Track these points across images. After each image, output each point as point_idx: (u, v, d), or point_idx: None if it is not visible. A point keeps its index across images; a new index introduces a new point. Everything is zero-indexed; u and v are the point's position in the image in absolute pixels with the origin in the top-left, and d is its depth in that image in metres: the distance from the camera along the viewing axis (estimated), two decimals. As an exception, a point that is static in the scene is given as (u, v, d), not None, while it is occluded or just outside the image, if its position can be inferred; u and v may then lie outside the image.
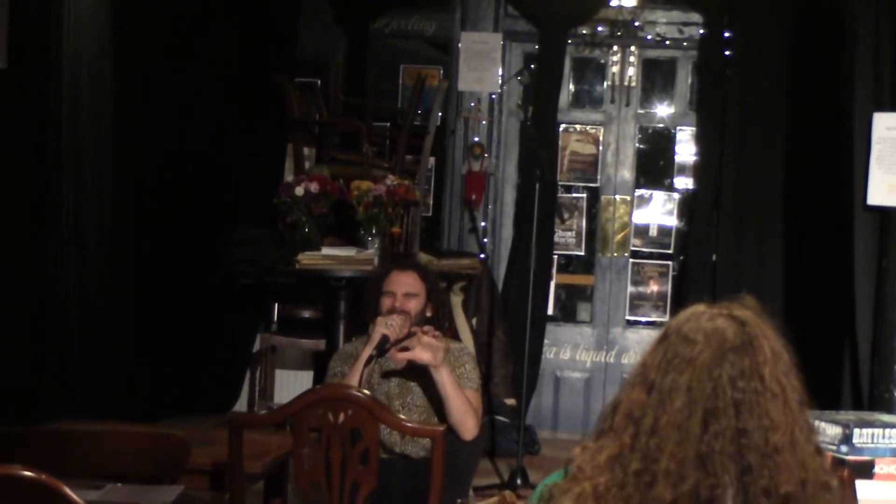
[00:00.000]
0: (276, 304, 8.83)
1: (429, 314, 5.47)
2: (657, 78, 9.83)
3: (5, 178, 6.77)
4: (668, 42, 9.60)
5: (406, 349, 5.15)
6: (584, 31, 9.55)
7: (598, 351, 9.65)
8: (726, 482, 2.09)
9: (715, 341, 2.17)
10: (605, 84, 9.75)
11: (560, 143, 9.68)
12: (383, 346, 5.24)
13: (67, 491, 2.83)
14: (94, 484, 3.87)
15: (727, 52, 9.02)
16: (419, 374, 5.39)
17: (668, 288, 9.70)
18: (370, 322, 5.53)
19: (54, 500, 2.81)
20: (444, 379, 5.16)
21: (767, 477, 2.10)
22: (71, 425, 5.15)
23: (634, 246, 9.74)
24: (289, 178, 8.64)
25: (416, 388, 5.40)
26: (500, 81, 9.58)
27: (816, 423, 3.77)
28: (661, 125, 9.85)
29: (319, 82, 9.34)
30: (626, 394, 2.22)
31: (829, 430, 3.84)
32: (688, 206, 9.59)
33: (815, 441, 2.20)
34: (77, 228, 7.45)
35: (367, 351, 5.23)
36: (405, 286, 5.43)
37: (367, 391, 4.78)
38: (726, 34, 9.03)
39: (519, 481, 7.41)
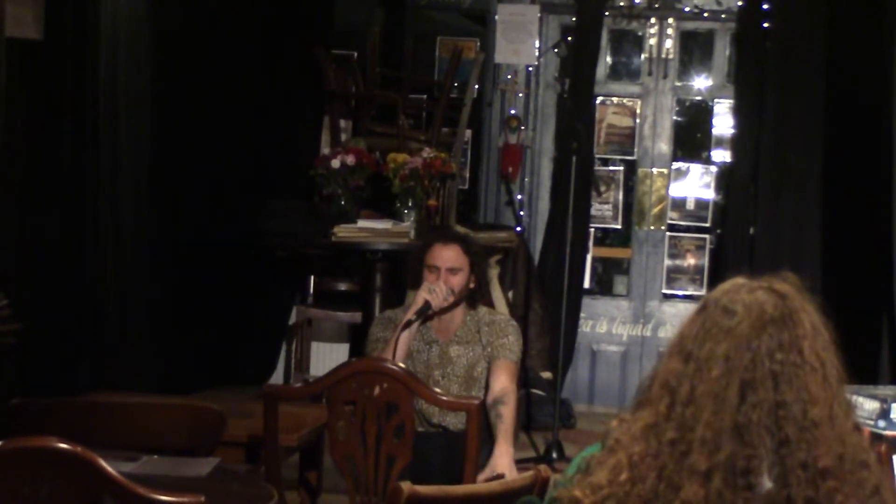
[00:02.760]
0: (312, 277, 8.83)
1: (472, 286, 5.44)
2: (695, 50, 9.78)
3: (42, 152, 6.78)
4: (705, 14, 9.54)
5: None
6: (622, 3, 9.49)
7: (635, 324, 9.63)
8: (762, 453, 2.08)
9: (755, 313, 2.16)
10: (643, 56, 9.70)
11: (597, 115, 9.64)
12: (425, 312, 5.23)
13: (102, 463, 2.84)
14: (130, 456, 3.88)
15: (765, 24, 8.95)
16: (461, 345, 5.38)
17: (705, 261, 9.66)
18: (411, 289, 5.51)
19: (89, 473, 2.82)
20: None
21: (805, 450, 2.09)
22: (107, 397, 5.17)
23: (671, 219, 9.70)
24: (325, 150, 8.64)
25: (457, 358, 5.39)
26: (536, 53, 9.53)
27: (854, 397, 3.75)
28: (698, 97, 9.79)
29: (356, 54, 9.32)
30: (662, 365, 2.22)
31: (866, 405, 3.82)
32: (725, 178, 9.54)
33: (854, 418, 2.18)
34: (114, 201, 7.46)
35: (409, 315, 5.21)
36: (449, 261, 5.37)
37: (402, 364, 4.77)
38: (764, 6, 8.97)
39: (555, 455, 7.40)
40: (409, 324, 5.23)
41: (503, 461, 4.96)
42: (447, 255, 5.38)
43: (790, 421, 2.10)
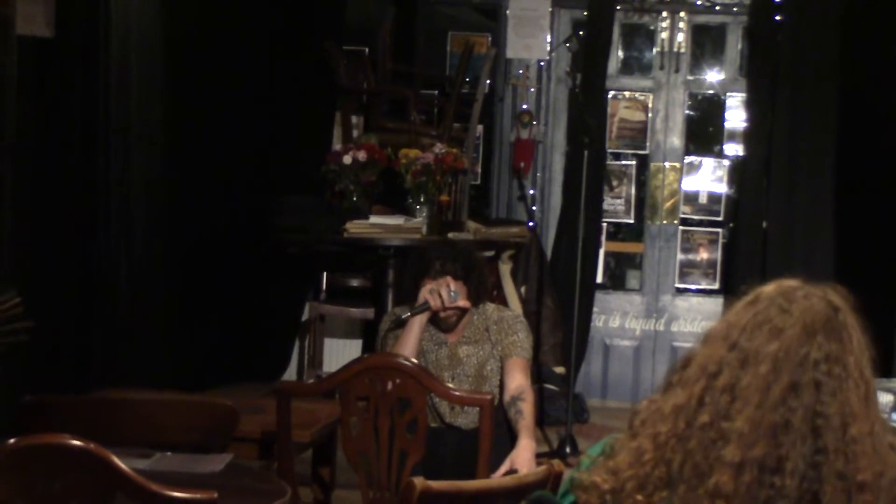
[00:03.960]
0: (325, 273, 8.83)
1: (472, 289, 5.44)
2: (707, 44, 9.76)
3: (53, 148, 6.78)
4: (717, 7, 9.52)
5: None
6: (633, -3, 9.49)
7: (648, 319, 9.62)
8: (794, 457, 2.08)
9: (809, 318, 2.16)
10: (654, 50, 9.69)
11: (609, 110, 9.63)
12: (422, 310, 5.25)
13: (115, 460, 2.84)
14: (143, 452, 3.88)
15: (778, 18, 8.94)
16: (469, 344, 5.38)
17: (718, 255, 9.64)
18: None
19: (102, 469, 2.82)
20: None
21: (843, 462, 2.09)
22: (120, 394, 5.18)
23: (684, 213, 9.68)
24: (337, 146, 8.64)
25: (467, 359, 5.39)
26: (548, 48, 9.52)
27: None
28: (710, 91, 9.78)
29: (367, 50, 9.32)
30: (702, 348, 2.21)
31: (881, 398, 3.81)
32: (738, 172, 9.53)
33: (892, 439, 2.19)
34: (125, 198, 7.47)
35: (406, 313, 5.26)
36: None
37: (414, 360, 4.77)
38: (777, -1, 8.96)
39: (568, 449, 7.41)
40: (402, 322, 5.27)
41: (525, 455, 4.96)
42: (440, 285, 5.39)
43: (829, 431, 2.10)
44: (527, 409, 5.23)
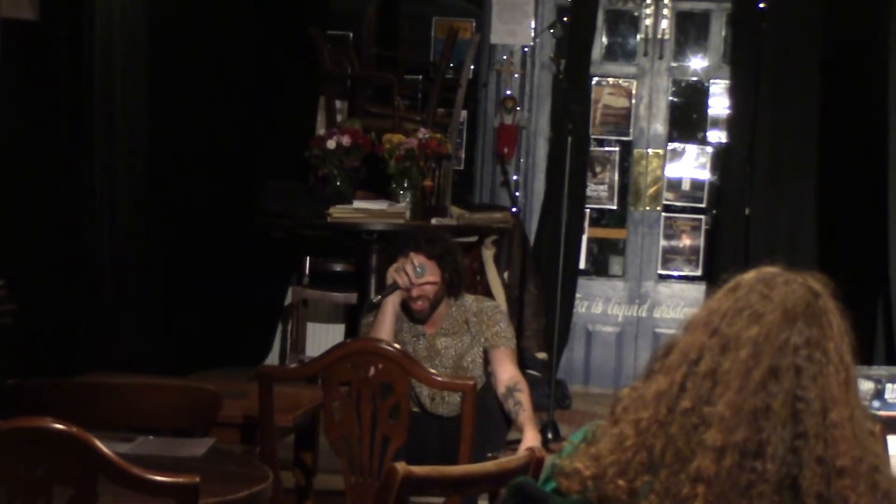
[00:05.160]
0: (308, 258, 8.84)
1: (448, 278, 5.45)
2: (691, 30, 9.77)
3: (37, 132, 6.77)
4: (702, -6, 9.54)
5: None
6: (618, -16, 9.49)
7: (630, 305, 9.63)
8: (775, 441, 2.09)
9: (789, 304, 2.17)
10: (639, 37, 9.69)
11: (593, 96, 9.64)
12: (392, 290, 5.31)
13: (98, 444, 2.83)
14: (126, 436, 3.88)
15: (761, 5, 8.95)
16: (448, 336, 5.40)
17: (701, 242, 9.66)
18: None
19: (85, 453, 2.82)
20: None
21: (822, 447, 2.10)
22: (102, 378, 5.17)
23: (667, 200, 9.70)
24: (321, 131, 8.63)
25: (445, 350, 5.41)
26: (532, 34, 9.52)
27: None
28: (694, 78, 9.79)
29: (351, 35, 9.32)
30: (683, 335, 2.22)
31: (861, 386, 3.82)
32: (721, 159, 9.54)
33: (871, 425, 2.20)
34: (110, 182, 7.46)
35: (376, 296, 5.32)
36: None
37: (397, 345, 4.78)
38: (761, -14, 8.96)
39: (550, 435, 7.41)
40: (373, 306, 5.35)
41: (534, 447, 4.99)
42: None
43: (809, 415, 2.11)
44: (524, 399, 5.27)
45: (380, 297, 5.33)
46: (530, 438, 5.11)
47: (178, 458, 3.73)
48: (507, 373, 5.36)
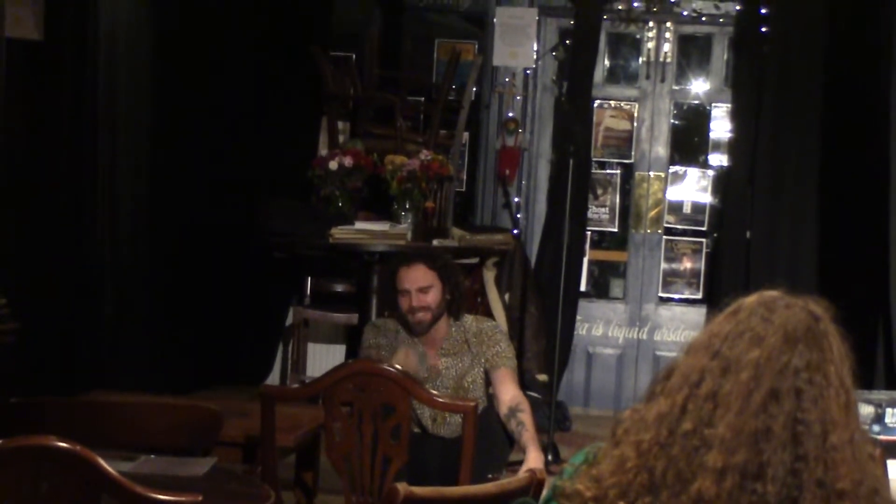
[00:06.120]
0: (310, 278, 8.84)
1: (448, 297, 5.46)
2: (693, 54, 9.79)
3: (40, 152, 6.79)
4: (704, 18, 9.55)
5: None
6: (620, 7, 9.50)
7: (631, 327, 9.64)
8: (775, 463, 2.10)
9: (790, 327, 2.18)
10: (641, 60, 9.72)
11: (594, 118, 9.66)
12: None
13: (101, 462, 2.85)
14: (128, 455, 3.89)
15: (763, 29, 8.97)
16: (448, 356, 5.41)
17: (702, 265, 9.67)
18: (390, 315, 5.60)
19: (88, 471, 2.84)
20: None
21: (823, 469, 2.11)
22: (105, 397, 5.18)
23: (668, 223, 9.71)
24: (323, 152, 8.65)
25: (446, 371, 5.42)
26: (534, 56, 9.54)
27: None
28: (696, 101, 9.81)
29: (354, 56, 9.33)
30: (685, 358, 2.24)
31: (861, 410, 3.83)
32: (722, 182, 9.56)
33: (871, 449, 2.21)
34: (112, 202, 7.48)
35: None
36: (416, 281, 5.38)
37: (398, 366, 4.79)
38: (763, 10, 8.98)
39: (550, 457, 7.41)
40: (374, 327, 5.55)
41: (537, 468, 5.00)
42: (413, 276, 5.39)
43: (810, 438, 2.12)
44: (527, 419, 5.28)
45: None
46: (533, 459, 5.11)
47: (179, 478, 3.74)
48: (509, 393, 5.37)
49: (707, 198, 9.69)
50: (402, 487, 2.96)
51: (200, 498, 2.92)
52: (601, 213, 9.74)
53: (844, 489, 2.12)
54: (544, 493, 2.44)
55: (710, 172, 9.71)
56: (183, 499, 2.91)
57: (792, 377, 2.15)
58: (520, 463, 5.23)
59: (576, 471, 2.29)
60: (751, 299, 2.26)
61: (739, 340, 2.19)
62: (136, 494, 2.87)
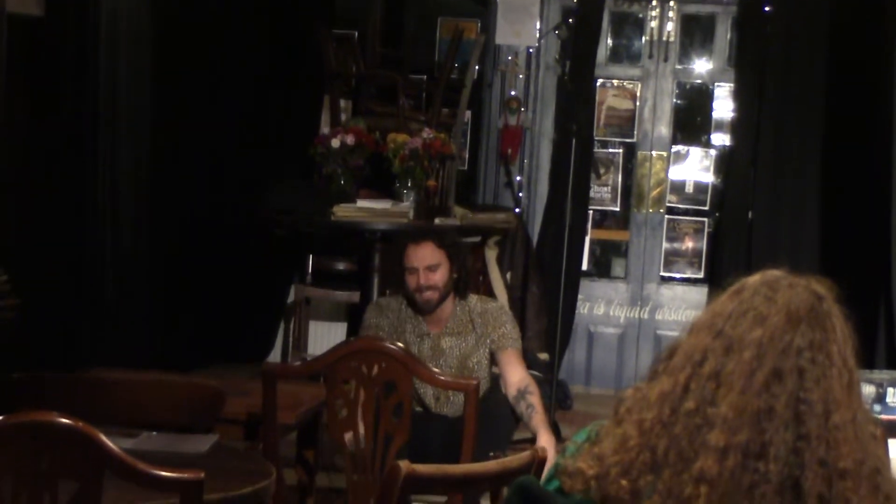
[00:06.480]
0: (311, 256, 8.84)
1: (455, 276, 5.45)
2: (696, 33, 9.77)
3: (41, 127, 6.78)
4: (707, -3, 9.55)
5: None
6: (623, -14, 9.50)
7: (632, 307, 9.64)
8: (777, 442, 2.10)
9: (793, 307, 2.18)
10: (644, 39, 9.70)
11: (597, 98, 9.64)
12: None
13: (103, 438, 2.85)
14: (129, 432, 3.89)
15: (767, 8, 8.95)
16: (453, 336, 5.40)
17: (704, 244, 9.67)
18: (392, 294, 5.60)
19: (89, 447, 2.83)
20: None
21: (825, 449, 2.11)
22: (105, 373, 5.18)
23: (670, 202, 9.70)
24: (325, 130, 8.64)
25: (450, 350, 5.42)
26: (537, 35, 9.52)
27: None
28: (698, 81, 9.79)
29: (357, 34, 9.31)
30: (688, 337, 2.24)
31: (863, 390, 3.83)
32: (724, 162, 9.55)
33: (874, 429, 2.21)
34: (113, 178, 7.47)
35: None
36: (424, 259, 5.37)
37: (400, 344, 4.79)
38: (766, -10, 8.96)
39: (552, 436, 7.42)
40: (376, 305, 5.58)
41: (548, 452, 5.01)
42: (421, 254, 5.39)
43: (812, 418, 2.12)
44: (536, 401, 5.29)
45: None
46: (544, 442, 5.11)
47: (181, 455, 3.74)
48: (516, 375, 5.38)
49: (709, 177, 9.68)
50: (405, 465, 2.96)
51: (203, 475, 2.92)
52: (603, 193, 9.73)
53: (846, 468, 2.12)
54: (546, 471, 2.44)
55: (713, 152, 9.70)
56: (186, 476, 2.91)
57: (795, 357, 2.15)
58: (525, 441, 5.24)
59: (578, 449, 2.29)
60: (754, 279, 2.25)
61: (742, 319, 2.19)
62: (138, 471, 2.87)
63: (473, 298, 5.54)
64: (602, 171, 9.70)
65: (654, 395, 2.21)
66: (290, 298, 9.03)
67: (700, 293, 9.51)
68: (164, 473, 2.89)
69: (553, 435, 5.38)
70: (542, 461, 3.16)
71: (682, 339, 2.26)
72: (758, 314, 2.19)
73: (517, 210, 9.20)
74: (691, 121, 9.85)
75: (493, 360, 5.46)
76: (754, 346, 2.16)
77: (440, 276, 5.37)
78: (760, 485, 2.10)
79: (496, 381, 5.46)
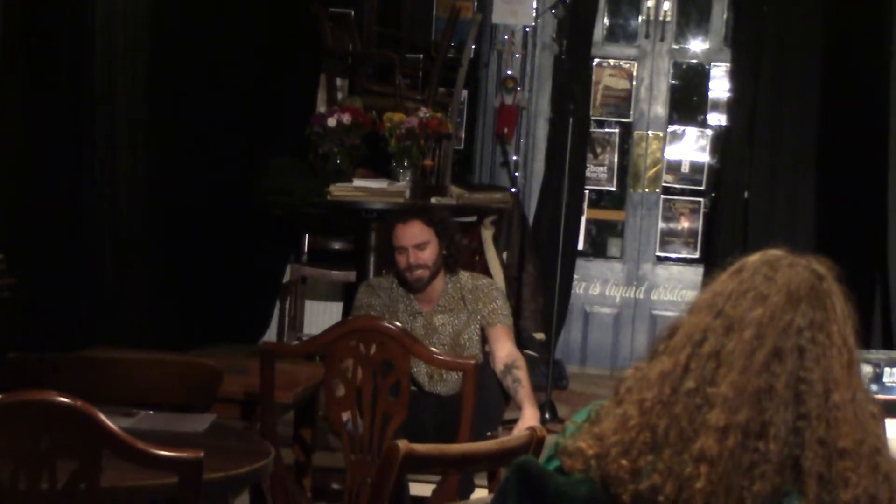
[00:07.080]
0: (307, 235, 8.84)
1: (445, 252, 5.46)
2: (692, 13, 9.76)
3: (38, 105, 6.77)
4: (704, -23, 9.54)
5: None
6: (620, -35, 9.48)
7: (628, 286, 9.65)
8: (777, 421, 2.11)
9: (793, 286, 2.19)
10: (640, 18, 9.69)
11: (593, 77, 9.63)
12: None
13: (101, 417, 2.85)
14: (127, 411, 3.89)
15: (763, -12, 8.95)
16: (445, 313, 5.41)
17: (700, 224, 9.67)
18: (386, 273, 5.60)
19: (88, 426, 2.83)
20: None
21: (825, 428, 2.11)
22: (102, 352, 5.18)
23: (666, 182, 9.70)
24: (321, 109, 8.62)
25: (443, 327, 5.42)
26: (534, 14, 9.51)
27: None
28: (695, 61, 9.78)
29: (353, 13, 9.28)
30: (688, 317, 2.24)
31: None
32: (721, 142, 9.54)
33: (873, 408, 2.21)
34: (111, 156, 7.46)
35: None
36: (413, 238, 5.38)
37: (398, 324, 4.79)
38: (763, -31, 8.96)
39: (548, 416, 7.44)
40: (369, 286, 5.55)
41: (532, 424, 5.00)
42: (410, 233, 5.39)
43: (812, 397, 2.13)
44: (523, 376, 5.29)
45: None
46: (529, 416, 5.12)
47: (179, 434, 3.74)
48: (504, 350, 5.38)
49: (705, 157, 9.68)
50: (403, 444, 2.96)
51: (202, 454, 2.93)
52: (599, 172, 9.73)
53: (846, 448, 2.12)
54: (546, 450, 2.44)
55: (709, 132, 9.70)
56: (185, 455, 2.92)
57: (795, 336, 2.15)
58: (515, 421, 5.24)
59: (578, 429, 2.29)
60: (754, 258, 2.26)
61: (743, 299, 2.20)
62: (136, 450, 2.87)
63: (464, 275, 5.55)
64: (598, 150, 9.69)
65: (654, 375, 2.22)
66: (286, 278, 9.03)
67: (696, 273, 9.51)
68: (163, 453, 2.89)
69: (538, 410, 5.37)
70: (541, 441, 3.17)
71: (682, 318, 2.27)
72: (758, 294, 2.19)
73: (513, 189, 9.20)
74: (687, 100, 9.84)
75: (484, 336, 5.46)
76: (755, 325, 2.16)
77: (429, 254, 5.38)
78: (760, 464, 2.11)
79: (488, 358, 5.46)
